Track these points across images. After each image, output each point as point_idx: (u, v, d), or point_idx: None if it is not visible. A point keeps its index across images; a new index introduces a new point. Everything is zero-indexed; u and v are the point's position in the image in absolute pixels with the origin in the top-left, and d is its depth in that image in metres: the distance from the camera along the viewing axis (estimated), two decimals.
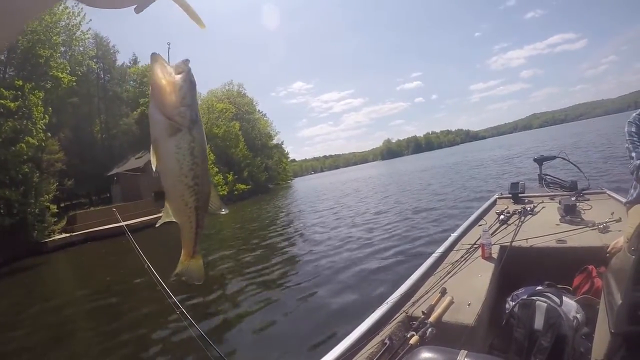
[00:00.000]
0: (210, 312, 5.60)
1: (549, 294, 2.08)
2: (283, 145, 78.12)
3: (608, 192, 3.94)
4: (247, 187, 45.84)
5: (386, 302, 2.21)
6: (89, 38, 32.50)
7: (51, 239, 23.72)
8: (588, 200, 3.73)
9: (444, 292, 2.15)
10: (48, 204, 24.46)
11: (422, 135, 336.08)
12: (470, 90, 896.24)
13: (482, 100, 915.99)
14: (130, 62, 52.71)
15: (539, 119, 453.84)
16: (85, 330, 6.26)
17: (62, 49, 27.76)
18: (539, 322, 2.02)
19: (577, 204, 3.33)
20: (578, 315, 2.03)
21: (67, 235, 24.68)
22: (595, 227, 2.78)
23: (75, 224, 26.23)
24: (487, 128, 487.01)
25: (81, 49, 32.02)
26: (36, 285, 12.08)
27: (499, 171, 19.42)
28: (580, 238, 2.64)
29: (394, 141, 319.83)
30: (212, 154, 40.43)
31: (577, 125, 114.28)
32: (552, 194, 4.23)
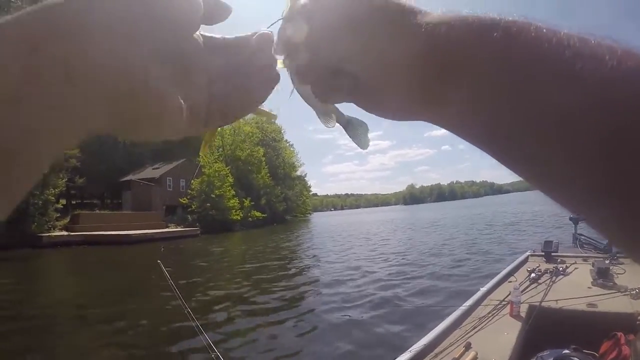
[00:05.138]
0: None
1: (574, 359, 2.02)
2: (306, 178, 77.28)
3: None
4: (263, 215, 44.60)
5: (409, 350, 2.18)
6: None
7: (48, 234, 22.89)
8: (622, 264, 3.64)
9: (468, 347, 2.12)
10: (53, 197, 23.83)
11: (446, 184, 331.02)
12: None
13: None
14: None
15: None
16: None
17: None
18: None
19: (611, 267, 3.31)
20: None
21: (66, 234, 23.91)
22: (627, 293, 2.74)
23: (77, 223, 25.49)
24: (512, 182, 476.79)
25: None
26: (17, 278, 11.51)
27: (529, 226, 18.89)
28: (611, 303, 2.65)
29: (417, 187, 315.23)
30: (231, 177, 39.68)
31: None
32: (586, 255, 4.24)
